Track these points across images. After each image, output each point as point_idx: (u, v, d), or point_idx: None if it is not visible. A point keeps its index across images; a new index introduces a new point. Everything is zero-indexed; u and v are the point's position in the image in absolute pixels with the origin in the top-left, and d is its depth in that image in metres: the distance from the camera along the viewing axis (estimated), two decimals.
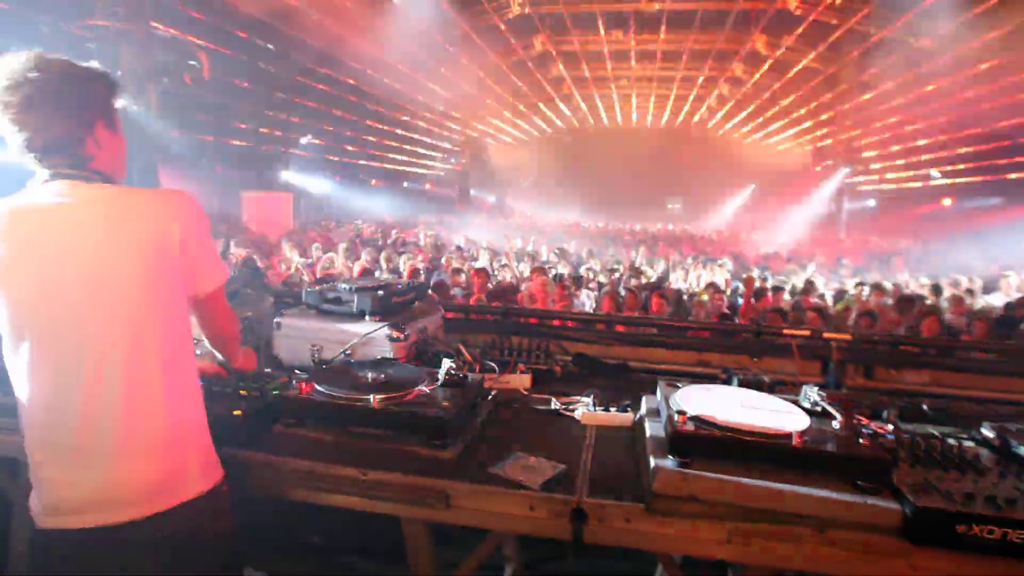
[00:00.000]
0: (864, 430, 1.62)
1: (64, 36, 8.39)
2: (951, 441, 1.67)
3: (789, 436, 1.50)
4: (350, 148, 21.48)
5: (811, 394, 1.78)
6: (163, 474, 1.36)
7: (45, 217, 1.31)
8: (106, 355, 1.30)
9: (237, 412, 1.74)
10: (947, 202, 19.99)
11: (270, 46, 12.89)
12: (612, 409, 2.01)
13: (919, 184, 18.95)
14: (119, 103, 1.45)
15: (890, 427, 1.71)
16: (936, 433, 1.75)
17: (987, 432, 1.73)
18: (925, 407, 2.03)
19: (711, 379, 2.17)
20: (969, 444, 1.70)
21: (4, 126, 1.30)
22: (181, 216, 1.38)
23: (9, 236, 1.30)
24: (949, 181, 17.84)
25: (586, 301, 6.64)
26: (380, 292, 2.33)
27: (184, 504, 1.37)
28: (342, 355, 2.17)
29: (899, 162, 19.50)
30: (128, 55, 8.64)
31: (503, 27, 16.31)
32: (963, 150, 16.45)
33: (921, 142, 16.92)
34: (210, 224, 1.47)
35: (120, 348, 1.31)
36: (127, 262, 1.31)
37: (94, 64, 1.39)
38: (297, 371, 2.06)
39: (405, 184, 32.23)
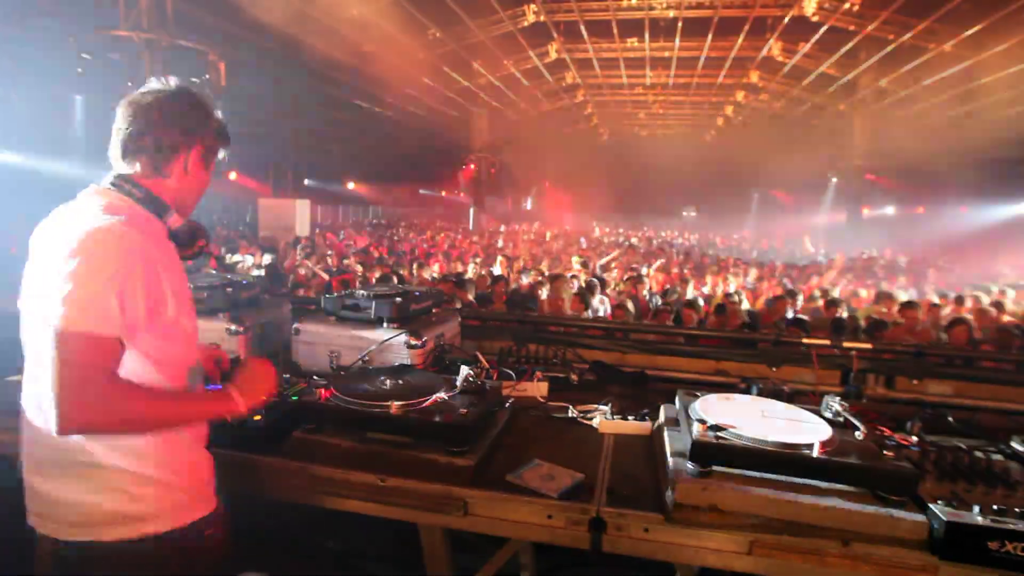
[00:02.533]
0: (888, 441, 1.59)
1: (88, 47, 8.58)
2: (978, 454, 1.64)
3: (811, 447, 1.48)
4: (364, 154, 21.68)
5: (833, 404, 1.75)
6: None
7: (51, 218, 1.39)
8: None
9: (257, 417, 1.75)
10: (962, 210, 19.72)
11: (288, 55, 13.06)
12: (630, 417, 2.00)
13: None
14: (221, 154, 1.53)
15: (914, 439, 1.69)
16: (962, 446, 1.72)
17: (1017, 445, 1.70)
18: (950, 418, 2.00)
19: (729, 388, 2.15)
20: (997, 457, 1.67)
21: (120, 123, 1.38)
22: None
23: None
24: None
25: (599, 308, 6.61)
26: (398, 299, 2.35)
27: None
28: (360, 361, 2.18)
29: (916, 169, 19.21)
30: (151, 64, 8.83)
31: (518, 35, 16.38)
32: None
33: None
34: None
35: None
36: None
37: (221, 115, 1.51)
38: (315, 377, 2.07)
39: (421, 191, 32.46)
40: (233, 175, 20.28)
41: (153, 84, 1.42)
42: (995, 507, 1.35)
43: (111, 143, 1.40)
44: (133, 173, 1.40)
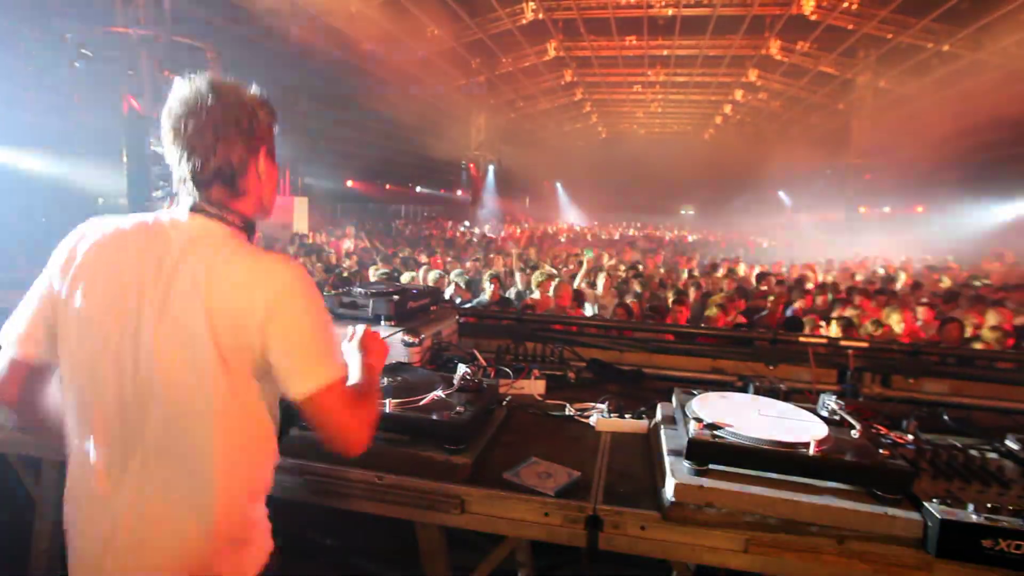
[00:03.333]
0: (883, 440, 1.60)
1: (86, 44, 8.55)
2: (973, 452, 1.64)
3: (807, 445, 1.48)
4: (363, 152, 21.64)
5: (829, 403, 1.76)
6: None
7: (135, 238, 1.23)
8: None
9: None
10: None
11: (287, 52, 13.04)
12: (627, 416, 2.01)
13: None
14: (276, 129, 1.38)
15: (910, 437, 1.69)
16: (958, 444, 1.72)
17: (1012, 444, 1.71)
18: (946, 417, 2.01)
19: (726, 386, 2.15)
20: (992, 456, 1.67)
21: (173, 153, 1.24)
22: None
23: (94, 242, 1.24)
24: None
25: (588, 308, 6.62)
26: (396, 297, 2.35)
27: None
28: None
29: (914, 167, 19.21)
30: (148, 61, 8.80)
31: (516, 33, 16.37)
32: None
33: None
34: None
35: None
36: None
37: (257, 89, 1.32)
38: None
39: (418, 189, 32.41)
40: None
41: (184, 91, 1.23)
42: (989, 505, 1.35)
43: (176, 175, 1.27)
44: (227, 193, 1.27)
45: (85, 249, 1.23)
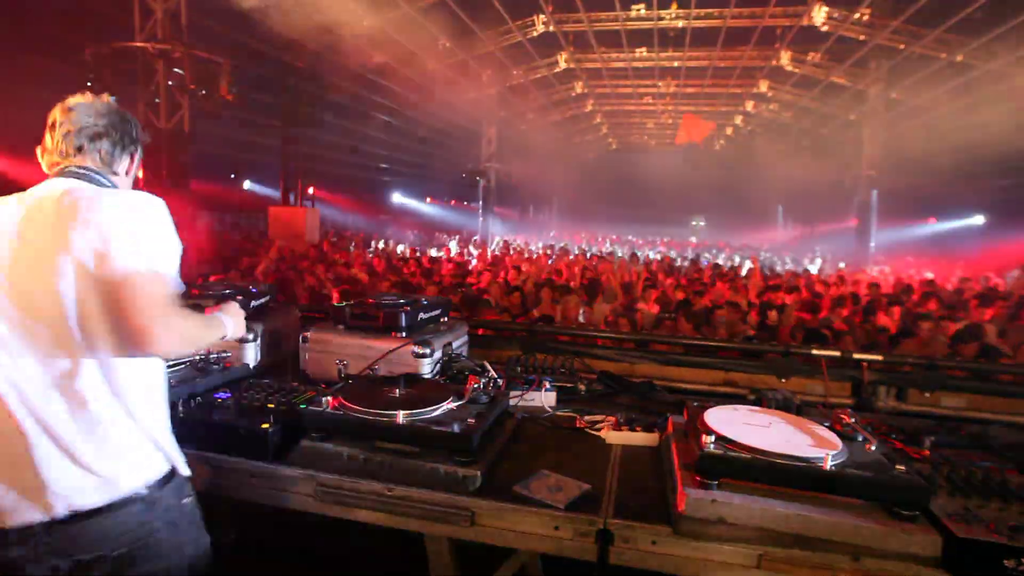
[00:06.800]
0: (899, 455, 1.57)
1: (104, 58, 8.72)
2: (992, 469, 1.61)
3: (821, 460, 1.46)
4: (373, 163, 21.84)
5: (843, 417, 1.74)
6: None
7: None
8: None
9: (265, 425, 1.76)
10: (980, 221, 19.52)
11: (299, 64, 13.21)
12: (638, 428, 1.99)
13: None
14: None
15: (926, 452, 1.66)
16: (976, 460, 1.69)
17: None
18: (963, 432, 1.97)
19: (738, 399, 2.13)
20: (1012, 472, 1.64)
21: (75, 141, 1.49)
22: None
23: None
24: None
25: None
26: (407, 308, 2.35)
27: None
28: (368, 370, 2.19)
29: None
30: (165, 73, 8.97)
31: (527, 45, 16.49)
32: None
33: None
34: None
35: None
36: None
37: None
38: (324, 385, 2.08)
39: (428, 199, 32.59)
40: (247, 184, 20.49)
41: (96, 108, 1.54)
42: (1011, 524, 1.32)
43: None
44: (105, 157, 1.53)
45: None
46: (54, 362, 1.34)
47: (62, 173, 1.47)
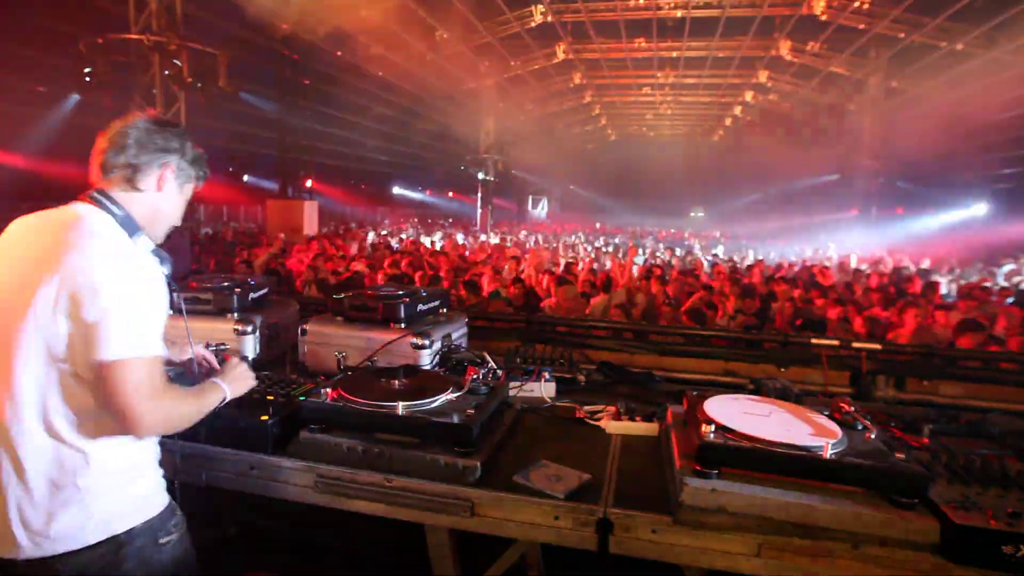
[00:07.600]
0: (898, 443, 1.57)
1: (99, 49, 8.65)
2: (991, 456, 1.61)
3: (820, 448, 1.46)
4: (371, 155, 21.79)
5: (842, 406, 1.74)
6: None
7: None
8: None
9: (264, 417, 1.76)
10: (981, 211, 19.51)
11: (296, 56, 13.15)
12: (638, 418, 1.99)
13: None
14: (196, 177, 1.60)
15: (925, 440, 1.67)
16: (975, 448, 1.69)
17: None
18: (962, 420, 1.98)
19: (738, 389, 2.13)
20: (1011, 460, 1.64)
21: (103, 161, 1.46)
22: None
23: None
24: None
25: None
26: (405, 300, 2.35)
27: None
28: (367, 362, 2.18)
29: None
30: (160, 66, 8.91)
31: (525, 36, 16.39)
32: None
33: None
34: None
35: None
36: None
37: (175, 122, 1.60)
38: (323, 377, 2.08)
39: (427, 191, 32.51)
40: (246, 177, 20.43)
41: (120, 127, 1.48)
42: (1009, 511, 1.33)
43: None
44: (123, 186, 1.48)
45: None
46: (31, 391, 1.31)
47: (86, 197, 1.43)
